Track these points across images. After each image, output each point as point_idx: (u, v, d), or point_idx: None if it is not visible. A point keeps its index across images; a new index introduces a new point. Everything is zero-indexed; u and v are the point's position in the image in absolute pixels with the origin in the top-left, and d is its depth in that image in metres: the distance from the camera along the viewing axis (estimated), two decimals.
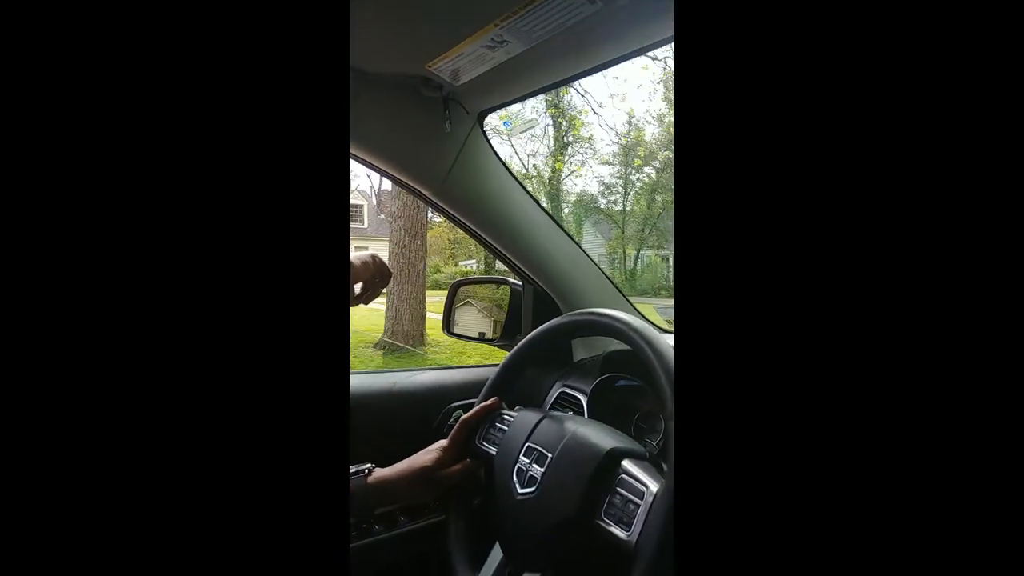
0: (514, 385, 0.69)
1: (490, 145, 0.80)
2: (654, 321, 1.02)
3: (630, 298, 1.00)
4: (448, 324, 1.09)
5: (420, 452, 0.65)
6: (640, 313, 1.01)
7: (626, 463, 0.50)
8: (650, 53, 0.58)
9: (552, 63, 0.60)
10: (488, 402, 0.66)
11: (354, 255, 0.63)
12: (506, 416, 0.68)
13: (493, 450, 0.62)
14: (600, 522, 0.47)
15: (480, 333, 1.11)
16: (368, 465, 0.64)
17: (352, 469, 0.63)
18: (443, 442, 0.65)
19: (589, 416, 0.76)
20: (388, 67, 0.62)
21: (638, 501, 0.46)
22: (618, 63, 0.60)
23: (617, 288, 0.98)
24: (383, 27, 0.54)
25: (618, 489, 0.48)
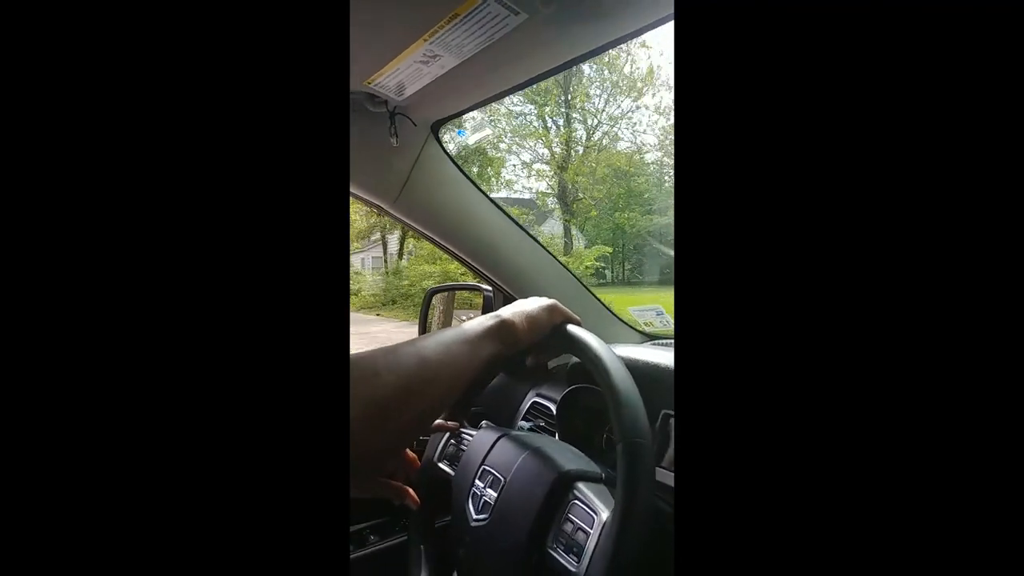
0: (482, 394, 0.68)
1: (447, 155, 0.78)
2: (634, 326, 1.01)
3: None
4: (423, 331, 1.08)
5: None
6: (615, 315, 1.00)
7: (580, 487, 0.48)
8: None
9: (497, 72, 0.58)
10: (448, 424, 0.65)
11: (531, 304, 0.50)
12: (465, 435, 0.67)
13: (452, 471, 0.61)
14: (551, 550, 0.46)
15: None
16: None
17: None
18: None
19: (560, 427, 0.75)
20: None
21: (588, 529, 0.44)
22: (563, 69, 0.58)
23: (589, 290, 0.96)
24: None
25: (569, 515, 0.47)
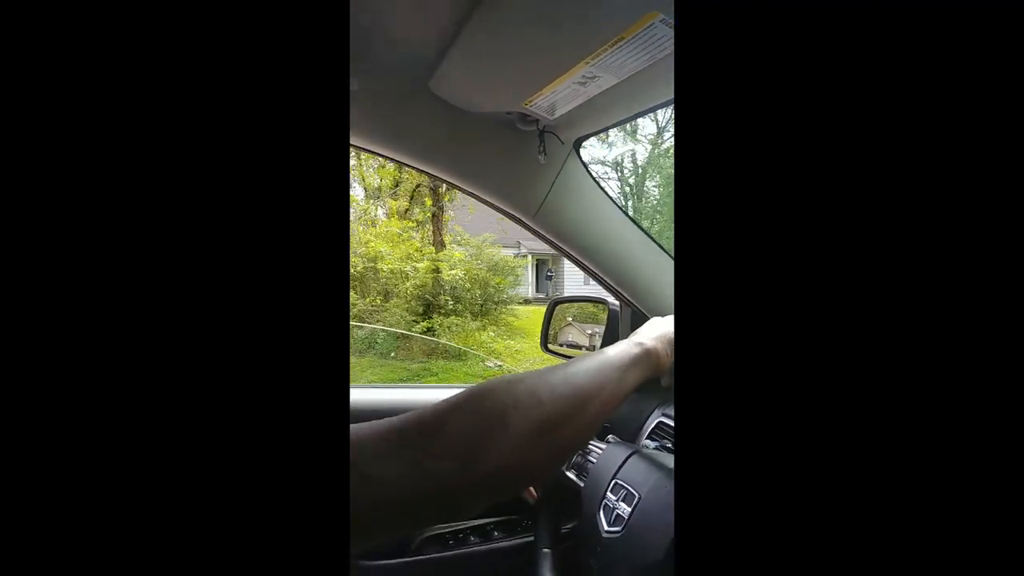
0: None
1: (587, 170, 0.80)
2: None
3: None
4: (545, 341, 1.11)
5: None
6: None
7: None
8: None
9: (645, 91, 0.59)
10: None
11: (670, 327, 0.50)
12: (594, 448, 0.67)
13: (580, 482, 0.62)
14: None
15: (579, 350, 1.11)
16: None
17: None
18: None
19: None
20: (488, 107, 0.66)
21: None
22: None
23: None
24: (484, 73, 0.57)
25: None
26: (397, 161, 0.76)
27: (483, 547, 0.76)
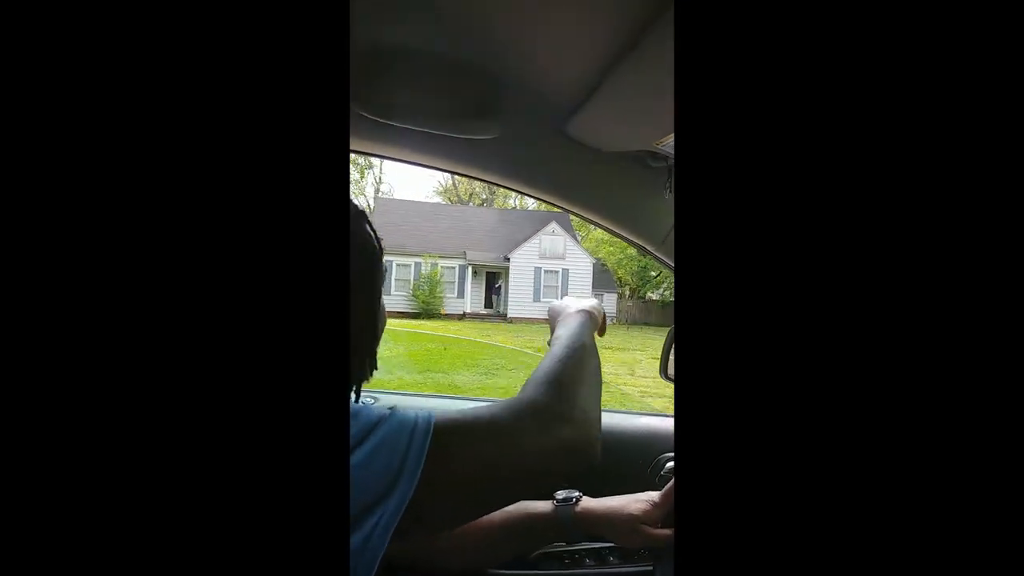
0: None
1: None
2: None
3: None
4: (665, 367, 1.08)
5: (631, 497, 0.67)
6: None
7: None
8: None
9: None
10: None
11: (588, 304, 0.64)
12: None
13: None
14: None
15: None
16: (577, 493, 0.68)
17: (562, 495, 0.69)
18: (655, 496, 0.67)
19: None
20: (621, 147, 0.68)
21: None
22: None
23: None
24: (621, 118, 0.60)
25: None
26: (526, 193, 0.82)
27: (596, 570, 0.78)
